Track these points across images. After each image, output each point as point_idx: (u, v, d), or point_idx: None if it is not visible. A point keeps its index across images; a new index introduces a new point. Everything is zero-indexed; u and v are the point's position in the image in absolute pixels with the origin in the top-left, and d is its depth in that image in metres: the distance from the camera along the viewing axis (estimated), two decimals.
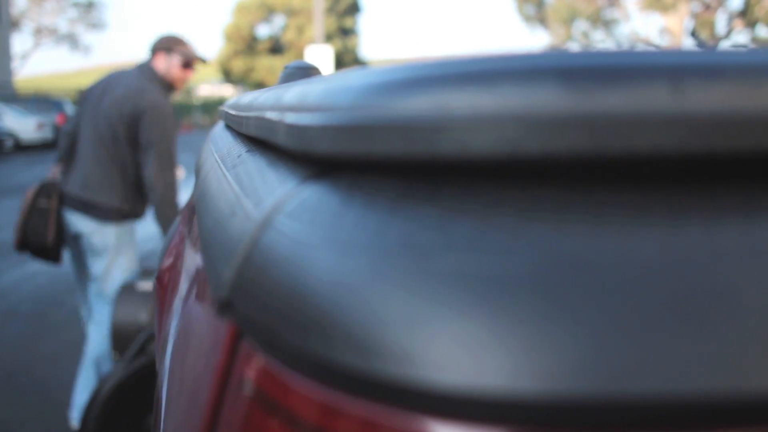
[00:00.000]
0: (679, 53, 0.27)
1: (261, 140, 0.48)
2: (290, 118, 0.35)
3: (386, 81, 0.29)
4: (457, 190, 0.27)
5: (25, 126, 16.19)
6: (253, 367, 0.29)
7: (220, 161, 0.59)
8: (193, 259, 0.55)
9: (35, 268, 4.76)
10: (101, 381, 1.94)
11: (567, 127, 0.25)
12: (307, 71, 0.84)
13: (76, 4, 33.90)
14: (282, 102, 0.40)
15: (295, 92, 0.38)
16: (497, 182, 0.27)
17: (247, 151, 0.52)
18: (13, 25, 29.71)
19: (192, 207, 0.71)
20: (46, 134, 16.67)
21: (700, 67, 0.26)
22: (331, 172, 0.33)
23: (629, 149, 0.25)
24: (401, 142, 0.27)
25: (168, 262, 0.83)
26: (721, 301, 0.21)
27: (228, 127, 0.84)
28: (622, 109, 0.25)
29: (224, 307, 0.33)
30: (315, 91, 0.34)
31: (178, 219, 0.95)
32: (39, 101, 18.36)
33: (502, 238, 0.24)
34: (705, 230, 0.24)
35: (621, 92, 0.25)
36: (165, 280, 0.80)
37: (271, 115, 0.41)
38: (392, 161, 0.28)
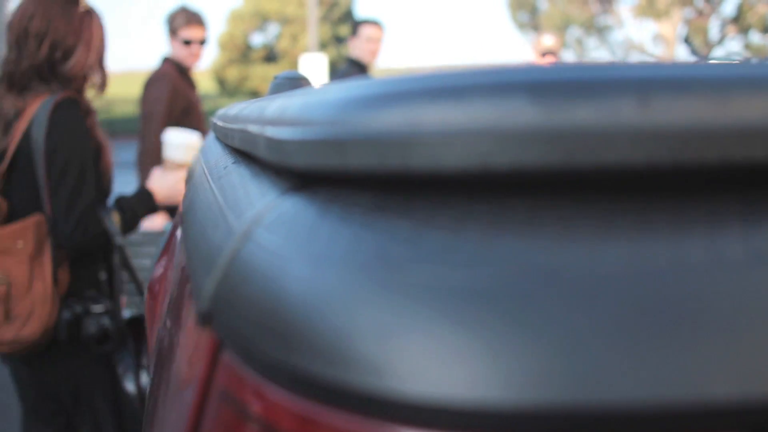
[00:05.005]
0: (646, 67, 0.28)
1: (245, 152, 0.48)
2: (270, 131, 0.36)
3: (361, 96, 0.29)
4: (428, 202, 0.28)
5: None
6: (232, 378, 0.29)
7: (207, 172, 0.59)
8: (180, 270, 0.55)
9: None
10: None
11: (536, 140, 0.25)
12: (297, 82, 0.84)
13: None
14: (264, 115, 0.40)
15: (276, 106, 0.39)
16: (468, 195, 0.28)
17: (232, 163, 0.53)
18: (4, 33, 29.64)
19: (181, 217, 0.71)
20: None
21: (666, 80, 0.26)
22: (309, 185, 0.33)
23: (597, 162, 0.25)
24: (375, 156, 0.27)
25: (159, 272, 0.84)
26: (687, 311, 0.22)
27: (217, 138, 0.84)
28: (590, 122, 0.25)
29: (205, 319, 0.33)
30: (294, 105, 0.35)
31: (170, 229, 0.96)
32: None
33: (472, 250, 0.24)
34: (671, 242, 0.24)
35: (589, 106, 0.25)
36: (156, 290, 0.80)
37: (253, 128, 0.41)
38: (366, 175, 0.28)
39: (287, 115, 0.35)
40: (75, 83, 1.52)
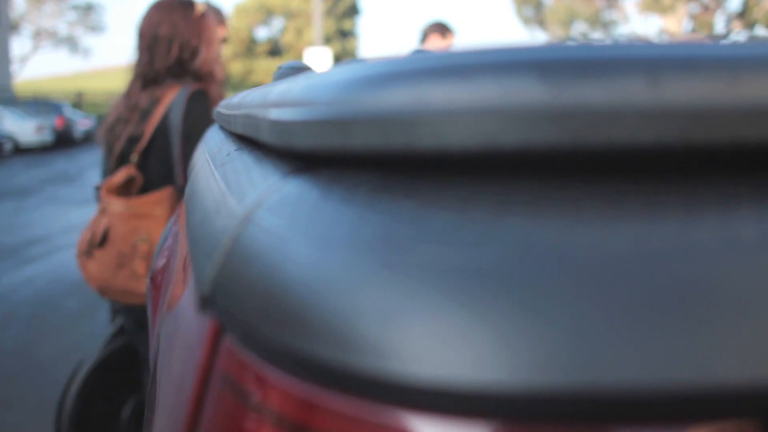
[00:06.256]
0: (657, 46, 0.27)
1: (248, 138, 0.48)
2: (273, 114, 0.35)
3: (365, 75, 0.29)
4: (433, 183, 0.27)
5: (24, 129, 16.19)
6: (234, 363, 0.29)
7: (210, 160, 0.59)
8: (181, 257, 0.55)
9: (34, 271, 4.76)
10: (79, 362, 1.93)
11: (544, 119, 0.25)
12: (301, 71, 0.83)
13: (75, 7, 33.95)
14: (267, 99, 0.40)
15: (279, 89, 0.38)
16: (474, 175, 0.27)
17: (236, 150, 0.52)
18: (13, 27, 29.75)
19: (183, 206, 0.71)
20: (45, 137, 16.69)
21: (677, 59, 0.26)
22: (312, 166, 0.33)
23: (606, 142, 0.25)
24: (379, 136, 0.27)
25: (162, 261, 0.83)
26: (698, 293, 0.21)
27: (221, 127, 0.84)
28: (599, 101, 0.25)
29: (206, 303, 0.33)
30: (297, 87, 0.34)
31: (172, 219, 0.95)
32: (38, 104, 18.37)
33: (478, 230, 0.24)
34: (682, 223, 0.24)
35: (598, 85, 0.25)
36: (158, 280, 0.80)
37: (256, 111, 0.41)
38: (371, 155, 0.28)
39: (290, 97, 0.34)
40: (203, 78, 1.77)
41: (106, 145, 1.80)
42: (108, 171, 1.83)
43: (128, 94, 1.77)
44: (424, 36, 3.22)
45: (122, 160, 1.76)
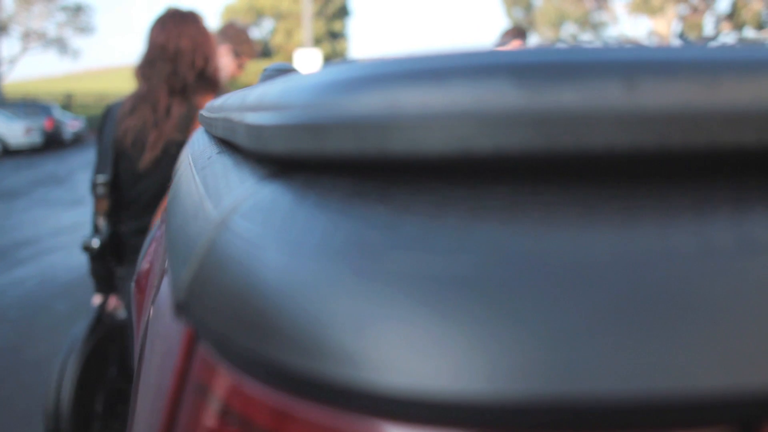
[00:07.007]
0: (633, 49, 0.27)
1: (228, 141, 0.47)
2: (249, 118, 0.35)
3: (339, 79, 0.28)
4: (407, 188, 0.27)
5: (13, 131, 16.13)
6: (208, 371, 0.28)
7: (192, 163, 0.58)
8: (161, 262, 0.55)
9: (23, 273, 4.73)
10: (64, 357, 1.94)
11: (519, 124, 0.24)
12: (287, 73, 0.83)
13: (64, 8, 33.81)
14: (245, 103, 0.39)
15: (257, 93, 0.38)
16: (448, 180, 0.27)
17: (217, 153, 0.52)
18: (1, 29, 29.63)
19: (165, 209, 0.71)
20: (35, 139, 16.62)
21: (653, 63, 0.25)
22: (286, 171, 0.32)
23: (582, 146, 0.24)
24: (353, 141, 0.26)
25: (146, 265, 0.83)
26: (673, 300, 0.21)
27: (205, 130, 0.84)
28: (575, 105, 0.24)
29: (181, 309, 0.32)
30: (273, 91, 0.34)
31: (157, 223, 0.95)
32: (27, 106, 18.30)
33: (452, 237, 0.23)
34: (658, 229, 0.24)
35: (573, 89, 0.24)
36: (142, 284, 0.80)
37: (233, 115, 0.40)
38: (344, 160, 0.27)
39: (266, 101, 0.34)
40: (218, 85, 1.89)
41: (136, 147, 1.84)
42: (132, 172, 1.86)
43: (154, 101, 1.83)
44: (504, 39, 3.24)
45: (161, 160, 1.82)
